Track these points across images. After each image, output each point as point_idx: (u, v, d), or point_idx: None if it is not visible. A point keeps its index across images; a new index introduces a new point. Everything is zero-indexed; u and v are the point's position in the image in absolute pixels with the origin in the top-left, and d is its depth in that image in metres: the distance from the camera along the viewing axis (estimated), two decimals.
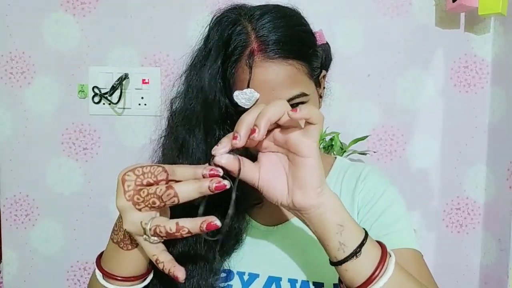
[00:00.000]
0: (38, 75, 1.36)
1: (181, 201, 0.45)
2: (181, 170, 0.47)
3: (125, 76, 1.33)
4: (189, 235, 0.45)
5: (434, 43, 1.33)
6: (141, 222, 0.46)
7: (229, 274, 0.65)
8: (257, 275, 0.65)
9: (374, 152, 1.35)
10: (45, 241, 1.39)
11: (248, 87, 0.58)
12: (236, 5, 0.63)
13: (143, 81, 1.34)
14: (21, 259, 1.39)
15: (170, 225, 0.45)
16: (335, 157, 0.77)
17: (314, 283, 0.63)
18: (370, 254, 0.49)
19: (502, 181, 1.25)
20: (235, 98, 0.58)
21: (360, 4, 1.33)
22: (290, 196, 0.49)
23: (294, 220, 0.67)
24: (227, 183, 0.45)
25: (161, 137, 0.65)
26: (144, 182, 0.46)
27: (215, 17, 0.62)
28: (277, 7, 0.62)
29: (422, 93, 1.35)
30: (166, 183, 0.46)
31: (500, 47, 1.29)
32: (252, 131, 0.45)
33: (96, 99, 1.34)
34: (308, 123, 0.46)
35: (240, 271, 0.65)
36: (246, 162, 0.49)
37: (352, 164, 0.76)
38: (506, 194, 1.23)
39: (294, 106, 0.57)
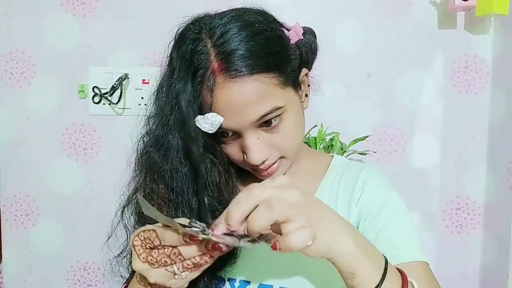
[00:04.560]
0: (38, 75, 1.36)
1: (186, 258, 0.48)
2: (168, 235, 0.48)
3: (125, 76, 1.32)
4: (212, 259, 0.49)
5: (434, 43, 1.33)
6: (165, 269, 0.49)
7: (221, 281, 0.64)
8: (248, 283, 0.64)
9: (374, 152, 1.35)
10: (45, 241, 1.39)
11: (210, 111, 0.55)
12: (198, 17, 0.61)
13: (143, 81, 1.34)
14: (21, 259, 1.39)
15: (193, 258, 0.48)
16: (332, 156, 0.75)
17: None
18: None
19: (502, 181, 1.25)
20: (197, 123, 0.56)
21: (360, 4, 1.33)
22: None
23: None
24: (222, 245, 0.47)
25: (137, 160, 0.65)
26: (147, 247, 0.50)
27: (177, 34, 0.60)
28: (239, 15, 0.58)
29: (422, 93, 1.35)
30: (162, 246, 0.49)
31: (500, 47, 1.29)
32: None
33: (96, 99, 1.34)
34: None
35: (231, 278, 0.64)
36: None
37: (349, 164, 0.74)
38: (506, 194, 1.23)
39: (268, 122, 0.57)
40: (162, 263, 0.49)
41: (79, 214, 1.38)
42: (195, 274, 0.51)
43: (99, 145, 1.37)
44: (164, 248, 0.48)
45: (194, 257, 0.48)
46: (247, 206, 0.45)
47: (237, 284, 0.64)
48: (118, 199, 0.66)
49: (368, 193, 0.66)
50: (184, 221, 0.48)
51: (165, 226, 0.49)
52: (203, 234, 0.45)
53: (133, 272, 0.61)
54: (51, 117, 1.36)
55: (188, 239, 0.46)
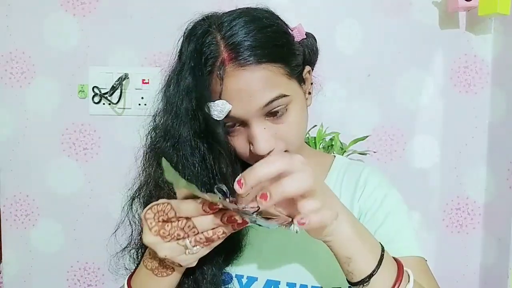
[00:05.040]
0: (38, 75, 1.36)
1: (200, 231, 0.49)
2: (185, 206, 0.49)
3: (125, 76, 1.33)
4: (224, 235, 0.50)
5: (434, 43, 1.33)
6: (177, 243, 0.50)
7: (228, 277, 0.65)
8: (255, 279, 0.64)
9: (374, 152, 1.35)
10: (45, 241, 1.39)
11: (220, 98, 0.57)
12: (207, 15, 0.63)
13: (143, 81, 1.34)
14: (21, 259, 1.39)
15: (206, 232, 0.49)
16: (334, 156, 0.76)
17: (313, 287, 0.63)
18: (382, 282, 0.50)
19: (502, 181, 1.25)
20: (206, 110, 0.58)
21: (360, 4, 1.33)
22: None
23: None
24: (238, 218, 0.48)
25: (145, 153, 0.65)
26: (160, 220, 0.50)
27: (186, 30, 0.62)
28: (246, 11, 0.61)
29: (422, 93, 1.35)
30: (177, 218, 0.50)
31: (500, 47, 1.29)
32: (263, 195, 0.44)
33: (96, 99, 1.34)
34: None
35: (238, 274, 0.65)
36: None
37: (351, 163, 0.75)
38: (506, 194, 1.23)
39: (275, 111, 0.58)
40: (175, 236, 0.49)
41: (79, 214, 1.38)
42: (206, 250, 0.52)
43: (99, 145, 1.37)
44: (178, 220, 0.49)
45: (207, 231, 0.49)
46: (276, 168, 0.45)
47: (244, 280, 0.65)
48: (125, 194, 0.66)
49: (369, 190, 0.68)
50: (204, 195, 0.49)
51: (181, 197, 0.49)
52: (223, 200, 0.46)
53: (139, 263, 0.62)
54: (51, 117, 1.36)
55: (207, 208, 0.47)
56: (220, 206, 0.47)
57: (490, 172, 1.33)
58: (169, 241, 0.50)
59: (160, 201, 0.51)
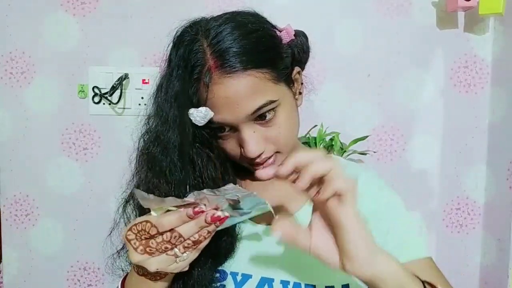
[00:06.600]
0: (38, 75, 1.36)
1: (186, 238, 0.50)
2: (167, 220, 0.50)
3: (125, 76, 1.33)
4: (210, 234, 0.51)
5: (434, 43, 1.33)
6: (166, 254, 0.51)
7: (223, 274, 0.66)
8: (250, 276, 0.65)
9: (374, 152, 1.35)
10: (45, 241, 1.39)
11: (205, 105, 0.58)
12: (194, 20, 0.64)
13: (143, 81, 1.34)
14: (21, 259, 1.39)
15: (192, 237, 0.51)
16: (331, 157, 0.77)
17: (306, 285, 0.64)
18: None
19: (502, 181, 1.25)
20: (190, 116, 0.59)
21: (360, 4, 1.33)
22: (342, 264, 0.50)
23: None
24: (220, 214, 0.50)
25: (138, 157, 0.66)
26: (143, 238, 0.51)
27: (175, 36, 0.63)
28: (232, 17, 0.62)
29: (422, 93, 1.35)
30: (160, 233, 0.51)
31: (500, 47, 1.29)
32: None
33: (96, 99, 1.34)
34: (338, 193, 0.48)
35: (233, 272, 0.66)
36: (300, 229, 0.52)
37: (347, 164, 0.76)
38: (506, 194, 1.23)
39: (262, 116, 0.60)
40: (162, 249, 0.51)
41: (79, 214, 1.38)
42: (195, 254, 0.53)
43: (99, 145, 1.37)
44: (162, 234, 0.50)
45: (193, 235, 0.50)
46: (323, 167, 0.47)
47: (239, 277, 0.65)
48: (119, 196, 0.67)
49: (370, 196, 0.68)
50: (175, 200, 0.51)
51: (158, 210, 0.51)
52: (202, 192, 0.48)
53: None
54: (51, 117, 1.36)
55: (192, 214, 0.49)
56: (203, 208, 0.49)
57: (490, 172, 1.33)
58: (157, 255, 0.51)
59: (138, 219, 0.52)
